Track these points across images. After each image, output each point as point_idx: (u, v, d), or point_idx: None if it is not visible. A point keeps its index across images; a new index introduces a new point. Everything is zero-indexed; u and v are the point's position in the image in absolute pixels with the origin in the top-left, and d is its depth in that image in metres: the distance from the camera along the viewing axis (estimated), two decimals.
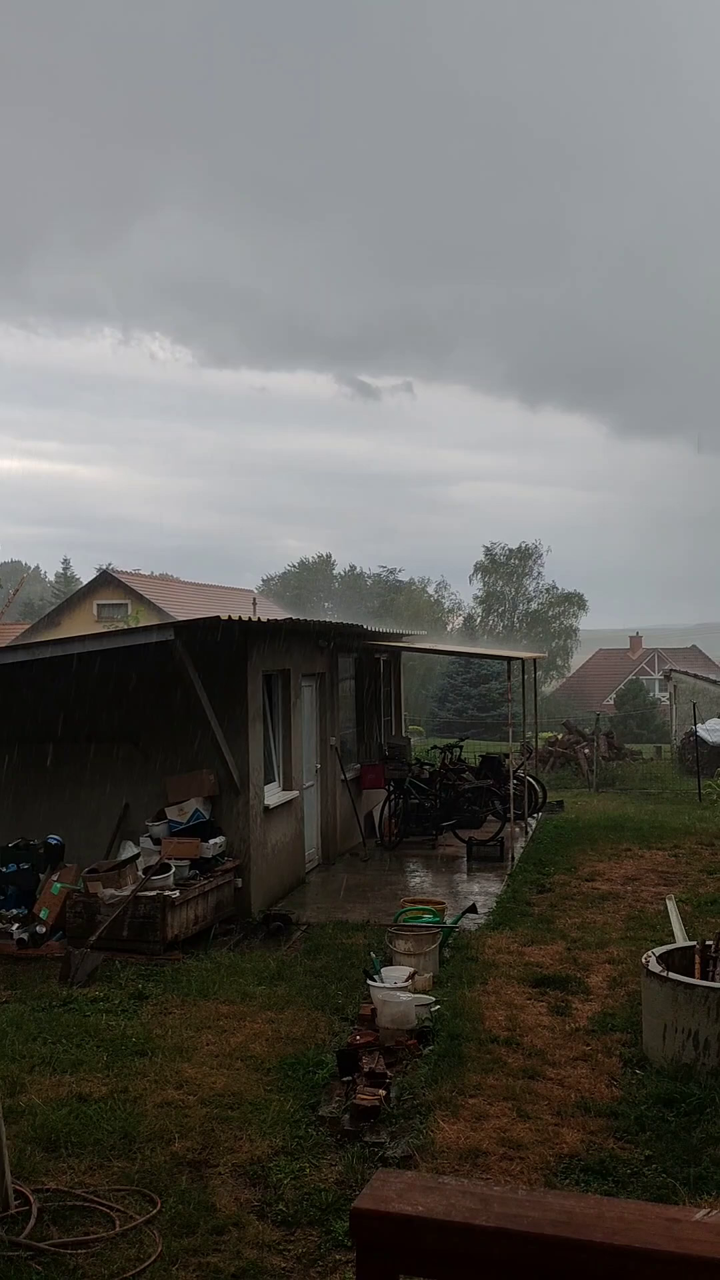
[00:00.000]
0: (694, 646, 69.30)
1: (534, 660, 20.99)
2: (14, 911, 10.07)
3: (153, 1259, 4.76)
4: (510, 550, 68.03)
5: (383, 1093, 6.29)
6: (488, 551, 68.03)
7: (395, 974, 7.97)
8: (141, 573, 53.62)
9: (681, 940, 7.86)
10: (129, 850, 10.63)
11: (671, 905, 8.86)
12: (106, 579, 47.16)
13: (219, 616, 10.16)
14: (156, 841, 10.44)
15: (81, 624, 40.90)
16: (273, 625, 11.51)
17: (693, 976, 6.90)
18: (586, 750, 26.38)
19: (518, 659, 17.65)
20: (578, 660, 69.09)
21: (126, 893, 9.51)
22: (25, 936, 9.76)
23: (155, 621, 26.53)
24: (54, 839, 10.76)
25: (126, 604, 44.30)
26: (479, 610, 68.83)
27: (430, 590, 73.24)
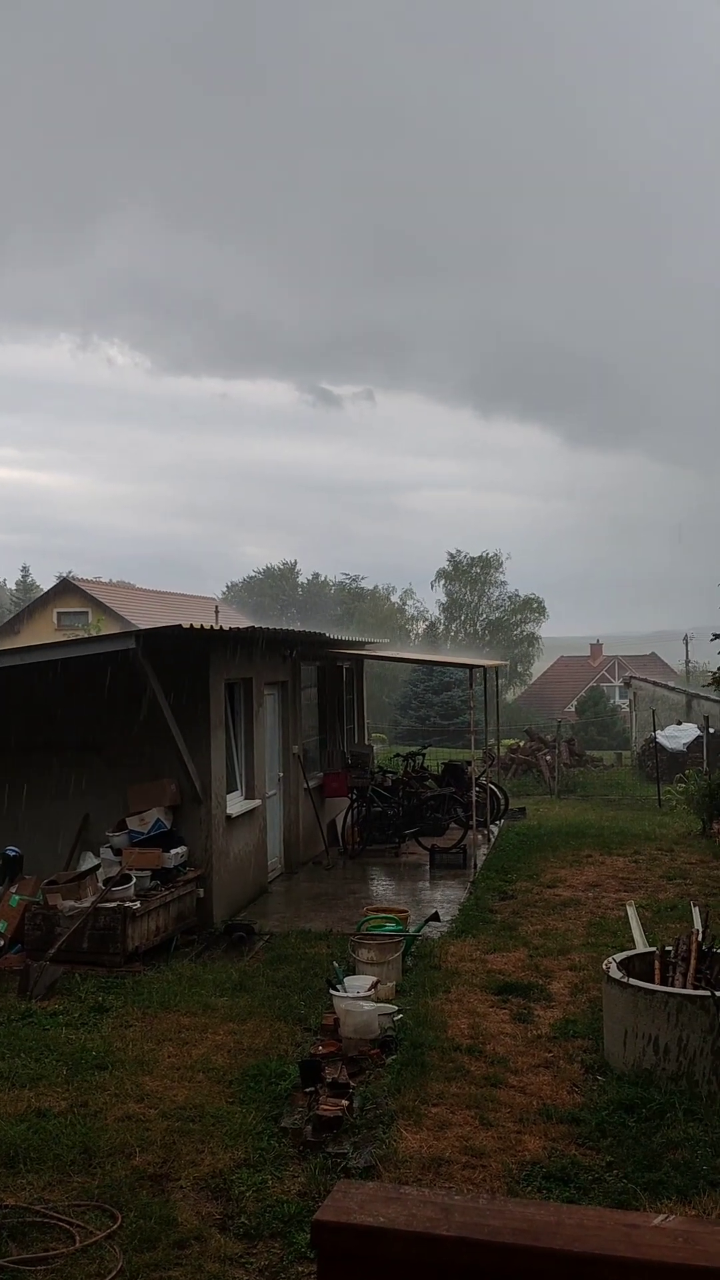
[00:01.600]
0: (653, 654, 70.00)
1: (496, 668, 21.10)
2: None
3: (113, 1274, 4.71)
4: (473, 558, 68.38)
5: (345, 1103, 6.28)
6: (451, 558, 68.34)
7: (358, 983, 7.96)
8: (102, 580, 53.28)
9: (642, 946, 7.92)
10: (89, 861, 10.53)
11: (632, 911, 8.94)
12: (67, 587, 46.80)
13: (181, 625, 10.10)
14: (117, 852, 10.35)
15: (42, 632, 40.55)
16: (235, 634, 11.47)
17: (653, 982, 6.96)
18: (548, 757, 26.55)
19: (480, 667, 17.73)
20: (539, 667, 69.53)
21: (86, 904, 9.42)
22: None
23: (116, 630, 26.31)
24: (12, 850, 10.64)
25: (87, 612, 43.99)
26: (441, 618, 69.09)
27: (394, 598, 73.45)
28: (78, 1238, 5.00)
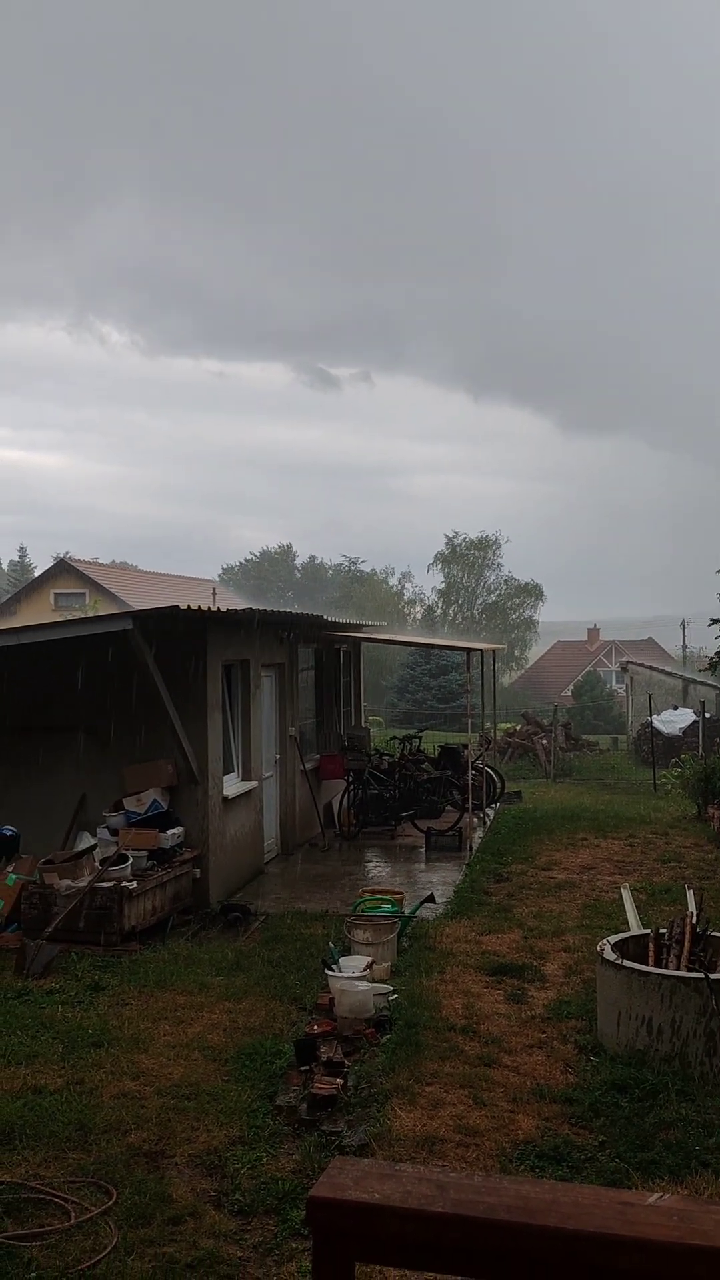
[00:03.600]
0: (650, 639, 70.05)
1: (493, 652, 21.11)
2: None
3: (108, 1250, 4.74)
4: (470, 541, 68.24)
5: (340, 1081, 6.31)
6: (449, 541, 68.19)
7: (353, 963, 7.99)
8: (99, 562, 53.17)
9: (636, 928, 7.95)
10: (86, 841, 10.54)
11: (626, 894, 8.96)
12: (64, 568, 46.69)
13: (178, 606, 10.08)
14: (114, 832, 10.36)
15: (39, 613, 40.50)
16: (232, 615, 11.45)
17: (647, 964, 6.99)
18: (544, 741, 26.60)
19: (477, 650, 17.73)
20: (536, 652, 69.55)
21: (83, 884, 9.44)
22: None
23: (113, 611, 26.26)
24: (8, 830, 10.65)
25: (84, 593, 43.90)
26: (439, 602, 69.01)
27: (392, 581, 73.35)
28: (73, 1213, 5.03)
